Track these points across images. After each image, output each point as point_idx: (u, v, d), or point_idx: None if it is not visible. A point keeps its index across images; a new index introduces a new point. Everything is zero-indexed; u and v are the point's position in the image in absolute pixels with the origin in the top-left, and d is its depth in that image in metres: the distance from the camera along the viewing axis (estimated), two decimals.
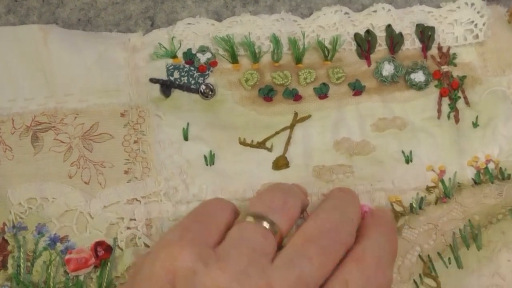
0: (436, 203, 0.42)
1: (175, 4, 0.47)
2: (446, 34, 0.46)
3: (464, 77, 0.45)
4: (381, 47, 0.46)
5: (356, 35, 0.45)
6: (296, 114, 0.44)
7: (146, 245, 0.41)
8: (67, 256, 0.40)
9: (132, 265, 0.40)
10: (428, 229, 0.41)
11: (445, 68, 0.45)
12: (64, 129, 0.43)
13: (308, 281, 0.32)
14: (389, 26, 0.46)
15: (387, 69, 0.45)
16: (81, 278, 0.40)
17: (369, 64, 0.45)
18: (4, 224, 0.41)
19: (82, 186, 0.42)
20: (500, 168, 0.43)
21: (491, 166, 0.43)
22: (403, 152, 0.43)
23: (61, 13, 0.47)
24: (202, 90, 0.44)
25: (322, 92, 0.45)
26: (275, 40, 0.45)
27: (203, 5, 0.47)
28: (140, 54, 0.45)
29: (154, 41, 0.45)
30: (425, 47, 0.46)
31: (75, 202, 0.42)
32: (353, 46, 0.46)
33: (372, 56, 0.45)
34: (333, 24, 0.46)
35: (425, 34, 0.45)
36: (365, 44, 0.45)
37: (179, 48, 0.45)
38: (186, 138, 0.44)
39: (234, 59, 0.45)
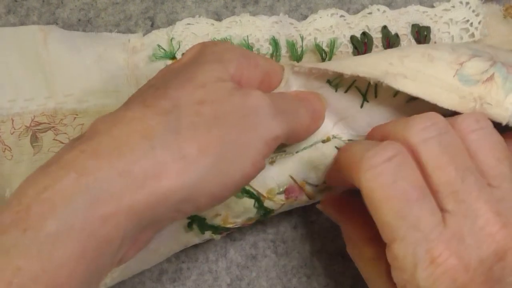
0: None
1: (175, 5, 0.48)
2: (441, 34, 0.46)
3: None
4: (378, 49, 0.46)
5: (353, 38, 0.46)
6: None
7: None
8: None
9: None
10: None
11: None
12: (63, 129, 0.43)
13: None
14: (384, 27, 0.46)
15: None
16: None
17: None
18: None
19: None
20: None
21: None
22: None
23: (61, 14, 0.47)
24: None
25: None
26: (275, 43, 0.45)
27: (203, 6, 0.47)
28: (140, 55, 0.45)
29: (154, 42, 0.45)
30: None
31: None
32: (350, 49, 0.46)
33: None
34: (329, 27, 0.46)
35: (421, 34, 0.46)
36: (361, 46, 0.46)
37: (178, 49, 0.45)
38: None
39: None
